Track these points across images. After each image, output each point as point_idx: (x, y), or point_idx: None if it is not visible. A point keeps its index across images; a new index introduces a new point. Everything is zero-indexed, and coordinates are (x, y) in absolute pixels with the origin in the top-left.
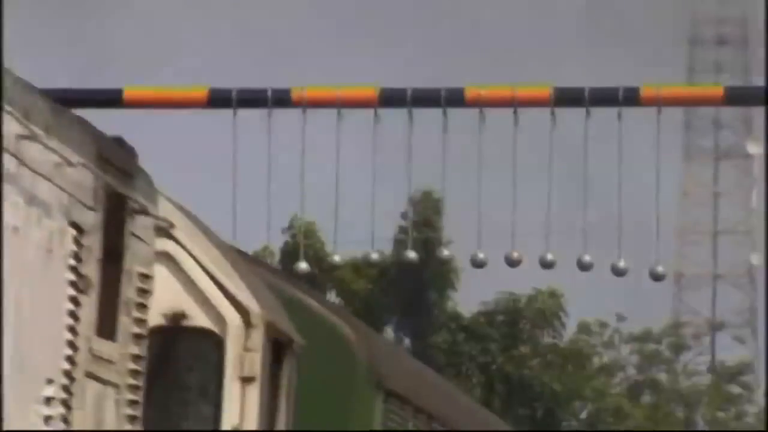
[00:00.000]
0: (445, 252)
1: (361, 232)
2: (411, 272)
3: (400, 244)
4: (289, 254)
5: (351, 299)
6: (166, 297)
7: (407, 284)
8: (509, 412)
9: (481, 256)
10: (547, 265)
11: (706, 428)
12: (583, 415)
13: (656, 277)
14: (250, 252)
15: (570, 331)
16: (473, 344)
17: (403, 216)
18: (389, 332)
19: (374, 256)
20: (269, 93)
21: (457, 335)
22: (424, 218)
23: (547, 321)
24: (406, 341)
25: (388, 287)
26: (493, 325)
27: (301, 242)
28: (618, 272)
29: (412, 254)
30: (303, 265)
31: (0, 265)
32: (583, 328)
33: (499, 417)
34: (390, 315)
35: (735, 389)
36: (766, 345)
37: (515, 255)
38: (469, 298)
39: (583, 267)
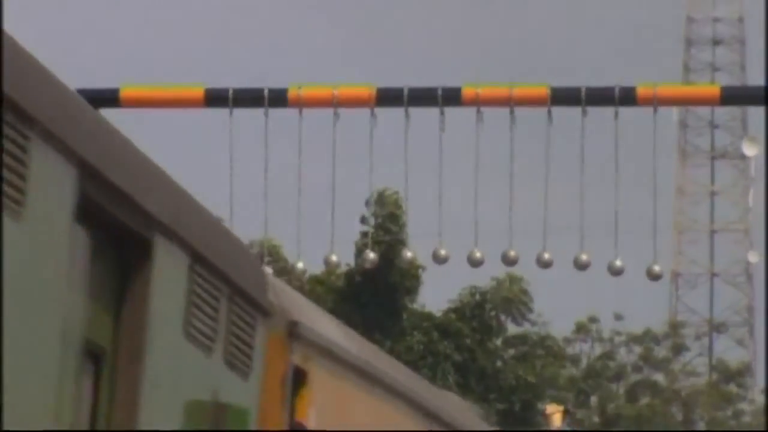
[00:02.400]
0: (409, 254)
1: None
2: (376, 276)
3: (362, 250)
4: None
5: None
6: None
7: (375, 289)
8: (490, 406)
9: (478, 255)
10: (544, 264)
11: (704, 427)
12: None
13: (653, 276)
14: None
15: (566, 330)
16: (448, 342)
17: (362, 220)
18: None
19: (371, 255)
20: (266, 92)
21: (432, 334)
22: (386, 219)
23: (514, 308)
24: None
25: (355, 293)
26: (463, 320)
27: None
28: (615, 271)
29: (409, 254)
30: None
31: (0, 263)
32: (581, 328)
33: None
34: (361, 320)
35: (732, 388)
36: (765, 344)
37: (512, 254)
38: (433, 296)
39: (580, 266)
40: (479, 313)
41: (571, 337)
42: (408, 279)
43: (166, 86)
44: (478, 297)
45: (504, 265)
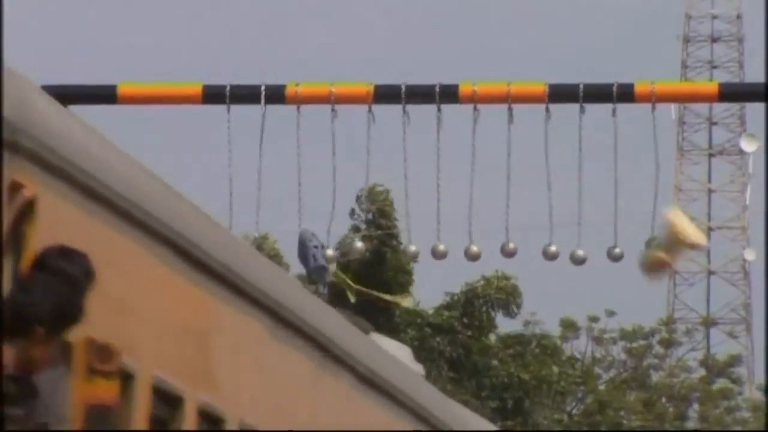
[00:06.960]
0: (412, 248)
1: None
2: (368, 270)
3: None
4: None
5: None
6: None
7: (366, 283)
8: (482, 403)
9: (475, 249)
10: (550, 256)
11: (699, 423)
12: (571, 407)
13: None
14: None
15: (555, 327)
16: (440, 339)
17: (352, 212)
18: None
19: (359, 244)
20: (263, 89)
21: (424, 330)
22: (378, 214)
23: (505, 304)
24: None
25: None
26: (455, 317)
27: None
28: (614, 258)
29: (413, 248)
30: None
31: (0, 266)
32: (568, 324)
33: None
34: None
35: (728, 384)
36: (765, 342)
37: (511, 246)
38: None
39: (576, 261)
40: (470, 310)
41: (567, 335)
42: (400, 275)
43: (163, 83)
44: (466, 295)
45: (503, 257)
